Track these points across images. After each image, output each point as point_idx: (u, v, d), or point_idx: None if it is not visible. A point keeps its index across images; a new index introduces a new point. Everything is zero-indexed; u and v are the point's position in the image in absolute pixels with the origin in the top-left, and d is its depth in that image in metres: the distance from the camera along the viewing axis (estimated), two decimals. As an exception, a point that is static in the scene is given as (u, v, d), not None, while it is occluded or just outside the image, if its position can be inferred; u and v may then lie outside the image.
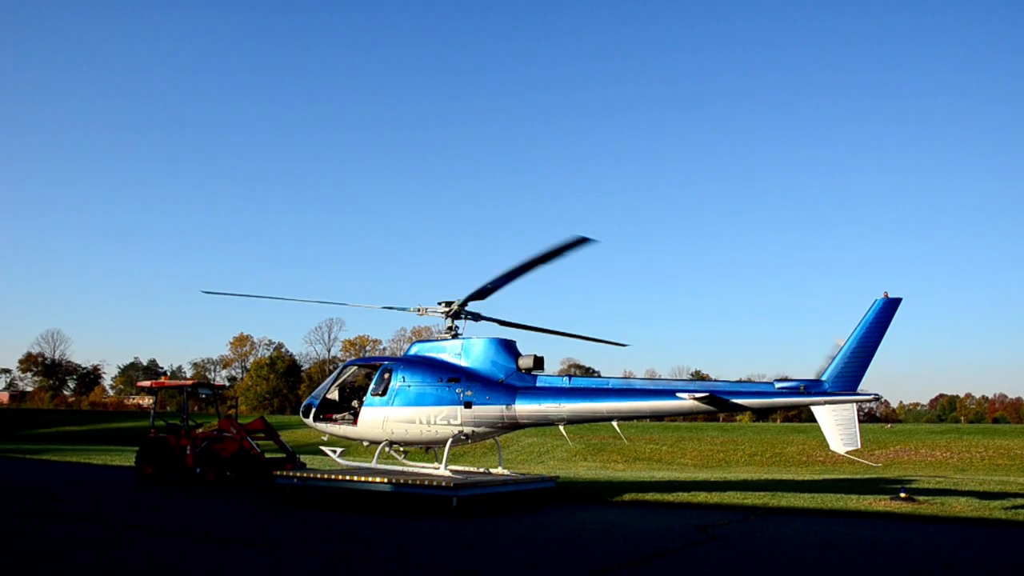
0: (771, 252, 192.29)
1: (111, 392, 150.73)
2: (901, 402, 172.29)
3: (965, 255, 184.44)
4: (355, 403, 19.86)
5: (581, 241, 15.35)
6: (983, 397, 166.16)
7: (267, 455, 23.90)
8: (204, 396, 31.74)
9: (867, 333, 15.63)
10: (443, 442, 18.21)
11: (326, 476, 18.25)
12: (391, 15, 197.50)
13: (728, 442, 54.85)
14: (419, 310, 19.63)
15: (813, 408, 15.88)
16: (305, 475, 18.68)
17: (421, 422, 18.06)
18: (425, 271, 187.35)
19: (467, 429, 17.99)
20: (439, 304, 19.45)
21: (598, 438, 56.99)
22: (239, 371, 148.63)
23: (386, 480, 17.10)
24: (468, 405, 17.80)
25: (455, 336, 19.33)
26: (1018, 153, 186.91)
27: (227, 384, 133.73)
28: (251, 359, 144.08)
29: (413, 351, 19.83)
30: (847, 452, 15.69)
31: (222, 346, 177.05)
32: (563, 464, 47.36)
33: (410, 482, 16.84)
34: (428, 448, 19.69)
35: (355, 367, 20.93)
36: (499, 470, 19.54)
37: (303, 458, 25.58)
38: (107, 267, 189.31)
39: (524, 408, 17.66)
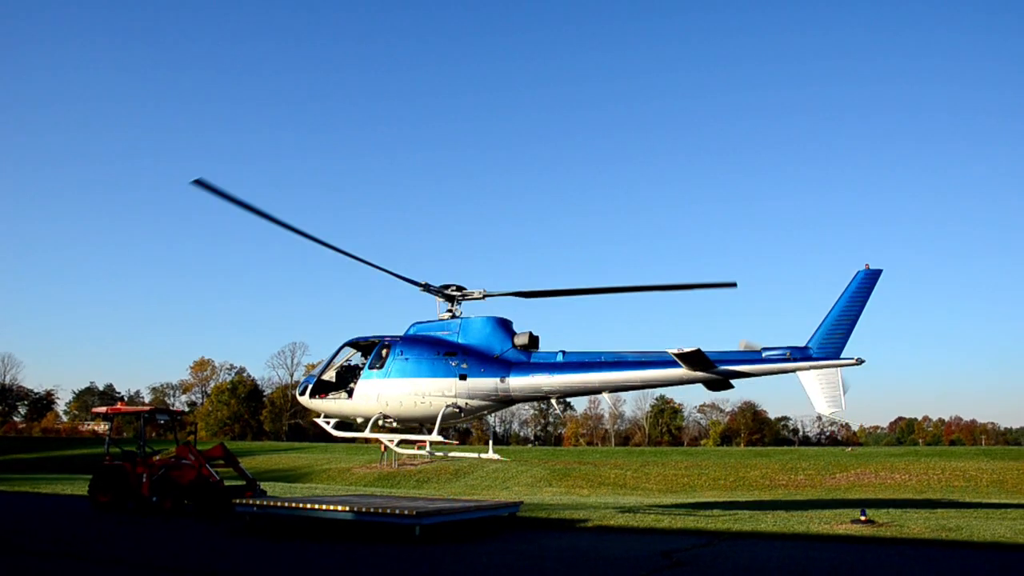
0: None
1: (65, 418, 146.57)
2: (861, 425, 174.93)
3: (922, 281, 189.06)
4: (351, 381, 19.43)
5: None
6: (940, 420, 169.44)
7: (227, 482, 23.40)
8: (162, 422, 31.03)
9: (850, 303, 16.43)
10: (435, 416, 18.12)
11: (286, 504, 17.91)
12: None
13: (692, 467, 55.08)
14: (425, 286, 19.18)
15: (799, 373, 16.60)
16: (265, 503, 18.30)
17: (416, 394, 18.08)
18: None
19: (461, 401, 18.07)
20: (446, 287, 19.29)
21: (563, 463, 56.90)
22: (199, 396, 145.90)
23: (348, 508, 16.83)
24: (463, 377, 17.96)
25: (453, 317, 19.40)
26: (970, 179, 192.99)
27: (187, 409, 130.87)
28: (212, 384, 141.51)
29: (412, 331, 19.58)
30: (831, 413, 16.59)
31: (182, 371, 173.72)
32: (528, 489, 47.09)
33: (372, 510, 16.59)
34: (422, 425, 19.25)
35: (352, 347, 20.18)
36: (490, 455, 19.10)
37: (264, 485, 25.09)
38: (62, 288, 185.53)
39: (518, 381, 17.97)
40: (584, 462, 59.12)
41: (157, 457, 24.36)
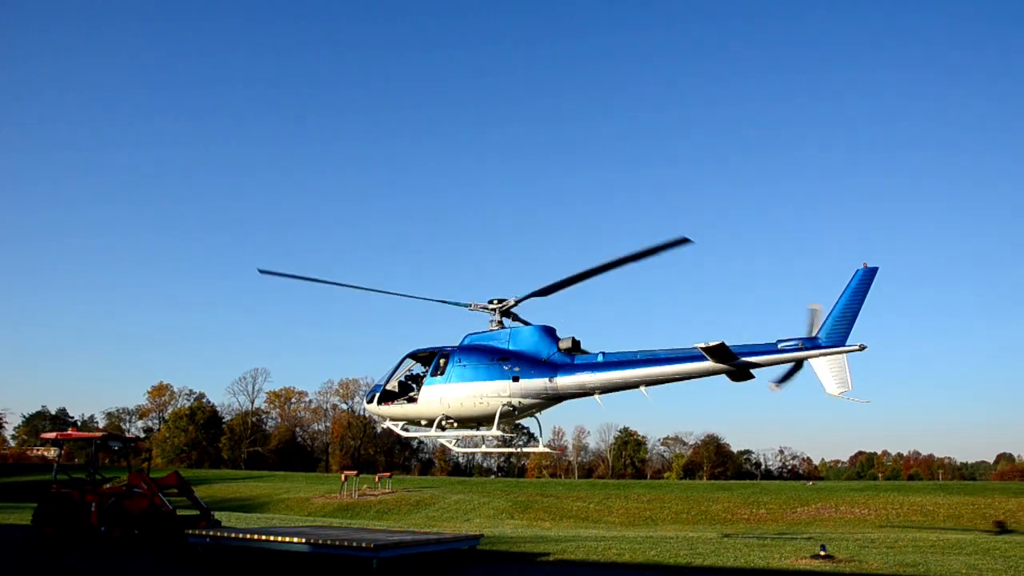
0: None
1: (12, 443, 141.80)
2: (823, 459, 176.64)
3: (881, 316, 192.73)
4: (413, 387, 21.65)
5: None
6: (899, 454, 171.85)
7: (180, 512, 22.75)
8: (116, 448, 30.16)
9: (851, 298, 18.79)
10: (493, 415, 20.04)
11: (241, 536, 17.48)
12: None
13: (655, 500, 54.99)
14: (472, 306, 21.62)
15: (811, 360, 18.70)
16: (218, 534, 17.84)
17: (475, 395, 20.16)
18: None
19: (515, 401, 20.04)
20: (490, 302, 21.43)
21: (525, 495, 56.40)
22: (156, 422, 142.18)
23: (304, 540, 16.45)
24: (516, 379, 19.99)
25: (502, 327, 21.43)
26: (921, 211, 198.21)
27: (142, 436, 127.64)
28: (170, 409, 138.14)
29: (467, 341, 21.49)
30: (840, 393, 18.33)
31: (139, 395, 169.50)
32: (490, 521, 46.55)
33: (329, 542, 16.23)
34: (479, 425, 21.04)
35: (412, 358, 22.10)
36: (541, 448, 22.47)
37: (219, 515, 24.43)
38: (13, 308, 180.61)
39: (564, 380, 19.93)
40: (547, 494, 58.72)
41: (108, 485, 23.61)
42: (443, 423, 20.59)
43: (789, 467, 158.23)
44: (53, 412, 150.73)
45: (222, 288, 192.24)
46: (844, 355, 18.39)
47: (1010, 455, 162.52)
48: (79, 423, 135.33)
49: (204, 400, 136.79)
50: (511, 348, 20.59)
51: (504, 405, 19.91)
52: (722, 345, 17.84)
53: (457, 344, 21.41)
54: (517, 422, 25.22)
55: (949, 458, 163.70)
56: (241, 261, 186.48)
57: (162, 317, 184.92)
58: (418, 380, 21.64)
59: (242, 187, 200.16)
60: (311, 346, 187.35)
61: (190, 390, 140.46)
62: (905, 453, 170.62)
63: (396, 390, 21.99)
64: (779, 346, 18.86)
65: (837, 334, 18.67)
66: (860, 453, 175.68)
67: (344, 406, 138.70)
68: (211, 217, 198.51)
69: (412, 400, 21.02)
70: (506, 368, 20.10)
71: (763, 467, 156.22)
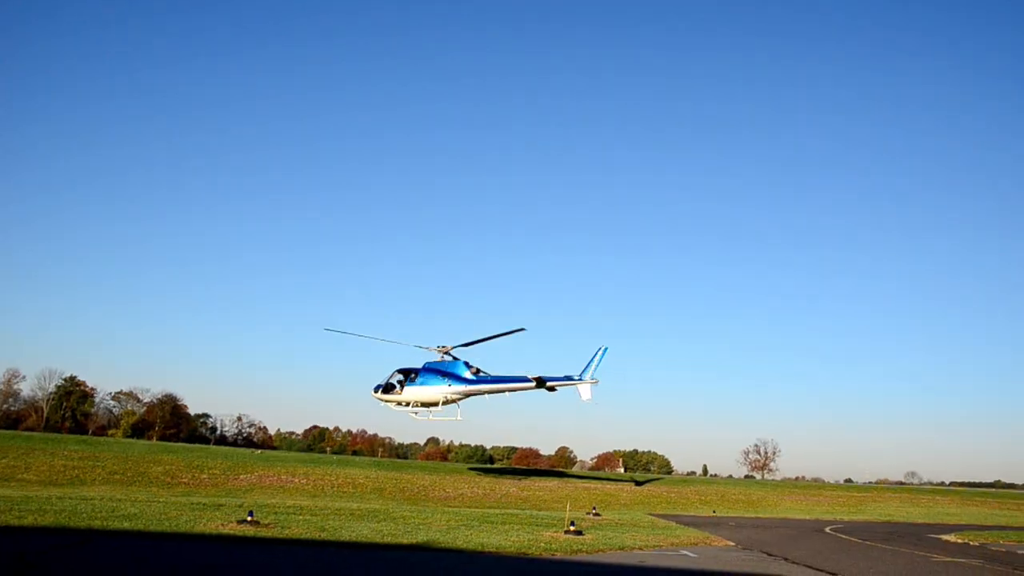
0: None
1: None
2: (279, 429, 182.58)
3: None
4: (398, 386, 49.70)
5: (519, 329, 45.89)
6: (349, 431, 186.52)
7: None
8: None
9: (592, 360, 50.48)
10: (438, 402, 48.58)
11: None
12: None
13: (88, 457, 49.90)
14: (430, 348, 50.56)
15: (577, 385, 49.99)
16: None
17: (429, 391, 48.62)
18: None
19: (448, 395, 48.32)
20: (440, 347, 49.85)
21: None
22: None
23: None
24: (449, 385, 48.13)
25: (444, 356, 50.01)
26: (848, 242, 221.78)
27: None
28: None
29: (426, 365, 50.01)
30: (587, 400, 50.27)
31: None
32: None
33: None
34: (430, 407, 49.15)
35: (399, 372, 49.89)
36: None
37: None
38: None
39: (471, 388, 49.10)
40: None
41: None
42: (413, 405, 48.87)
43: (245, 434, 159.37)
44: None
45: None
46: (589, 384, 49.68)
47: (436, 439, 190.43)
48: None
49: None
50: (447, 369, 47.97)
51: (443, 397, 47.50)
52: (540, 377, 49.00)
53: (420, 365, 49.94)
54: None
55: (390, 438, 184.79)
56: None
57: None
58: (401, 383, 49.17)
59: None
60: None
61: None
62: (355, 430, 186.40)
63: (392, 386, 49.42)
64: (564, 376, 50.01)
65: (585, 373, 49.83)
66: (314, 427, 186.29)
67: None
68: None
69: (398, 393, 48.45)
70: (444, 379, 48.12)
71: (219, 432, 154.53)
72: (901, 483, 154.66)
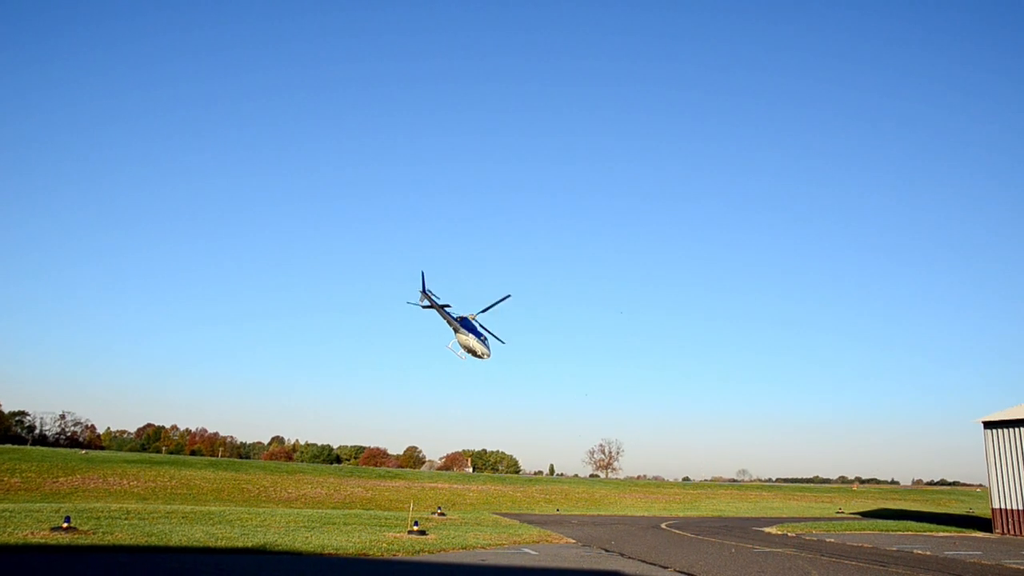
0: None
1: None
2: (109, 428, 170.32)
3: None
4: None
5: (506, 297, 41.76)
6: (187, 429, 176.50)
7: None
8: None
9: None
10: (477, 350, 43.31)
11: None
12: None
13: None
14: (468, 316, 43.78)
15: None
16: None
17: (469, 340, 42.94)
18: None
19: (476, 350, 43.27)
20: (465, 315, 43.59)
21: None
22: None
23: None
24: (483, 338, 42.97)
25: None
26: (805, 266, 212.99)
27: None
28: None
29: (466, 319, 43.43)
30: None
31: None
32: None
33: None
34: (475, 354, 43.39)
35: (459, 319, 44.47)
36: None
37: None
38: None
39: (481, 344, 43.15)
40: None
41: None
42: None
43: (69, 433, 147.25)
44: None
45: None
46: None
47: (281, 438, 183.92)
48: None
49: None
50: (475, 326, 42.66)
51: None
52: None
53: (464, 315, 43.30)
54: None
55: (231, 437, 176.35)
56: None
57: None
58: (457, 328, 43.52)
59: None
60: None
61: None
62: (194, 429, 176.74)
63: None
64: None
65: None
66: (149, 425, 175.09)
67: None
68: None
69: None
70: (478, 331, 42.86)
71: (38, 431, 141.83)
72: (734, 480, 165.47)
